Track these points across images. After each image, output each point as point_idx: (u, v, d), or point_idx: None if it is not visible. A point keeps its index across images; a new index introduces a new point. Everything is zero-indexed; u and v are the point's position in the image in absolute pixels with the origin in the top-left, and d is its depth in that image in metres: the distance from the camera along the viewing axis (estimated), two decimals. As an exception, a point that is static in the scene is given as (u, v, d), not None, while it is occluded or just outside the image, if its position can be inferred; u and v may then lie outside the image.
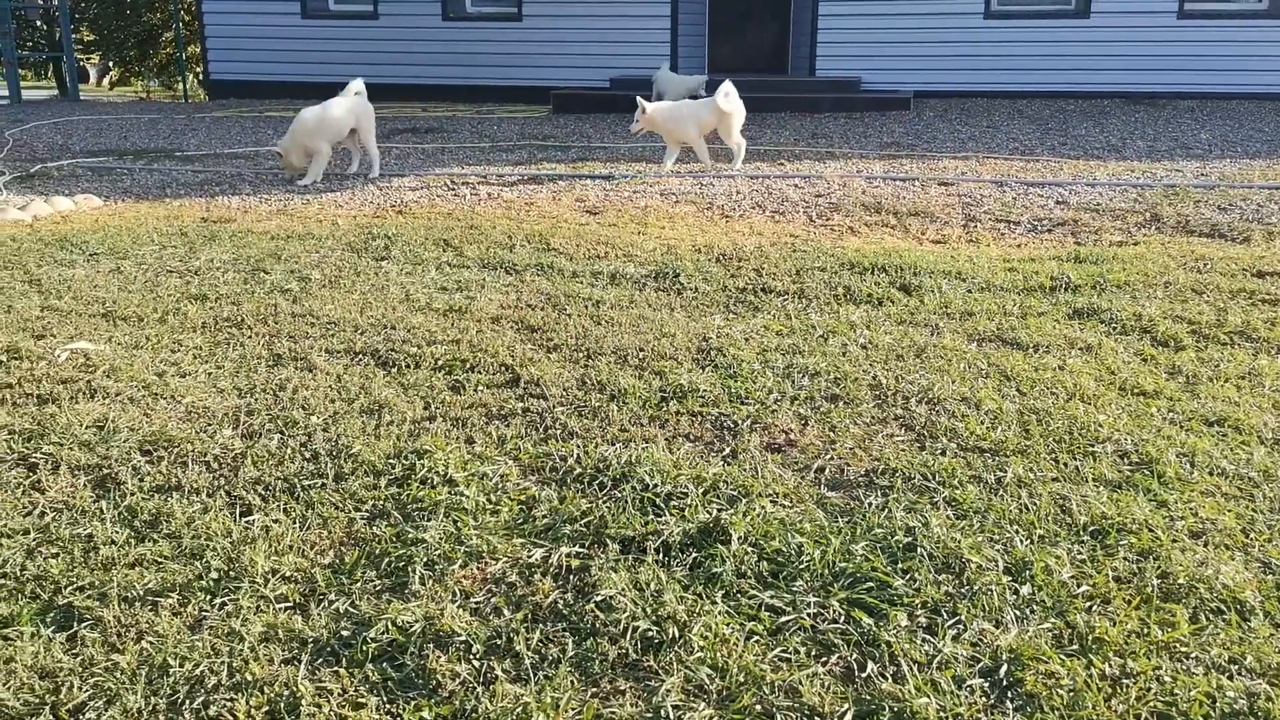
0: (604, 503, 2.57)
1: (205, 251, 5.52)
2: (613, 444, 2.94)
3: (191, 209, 7.06)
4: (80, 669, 1.95)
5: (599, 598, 2.14)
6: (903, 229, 6.17)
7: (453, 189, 7.93)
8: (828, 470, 2.76)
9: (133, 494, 2.65)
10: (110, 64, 23.66)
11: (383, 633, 2.05)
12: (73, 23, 18.19)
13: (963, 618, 2.06)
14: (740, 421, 3.09)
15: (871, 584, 2.18)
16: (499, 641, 2.02)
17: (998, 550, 2.31)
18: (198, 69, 20.07)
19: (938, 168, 8.31)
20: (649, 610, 2.09)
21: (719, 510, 2.49)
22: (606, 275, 5.00)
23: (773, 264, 5.17)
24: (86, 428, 3.03)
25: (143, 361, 3.65)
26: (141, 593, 2.20)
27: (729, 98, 7.98)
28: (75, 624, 2.09)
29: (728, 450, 2.90)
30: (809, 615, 2.09)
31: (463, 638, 2.03)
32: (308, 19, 15.43)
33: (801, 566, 2.25)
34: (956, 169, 8.23)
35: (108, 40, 20.81)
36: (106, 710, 1.84)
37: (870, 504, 2.54)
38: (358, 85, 8.17)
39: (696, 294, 4.66)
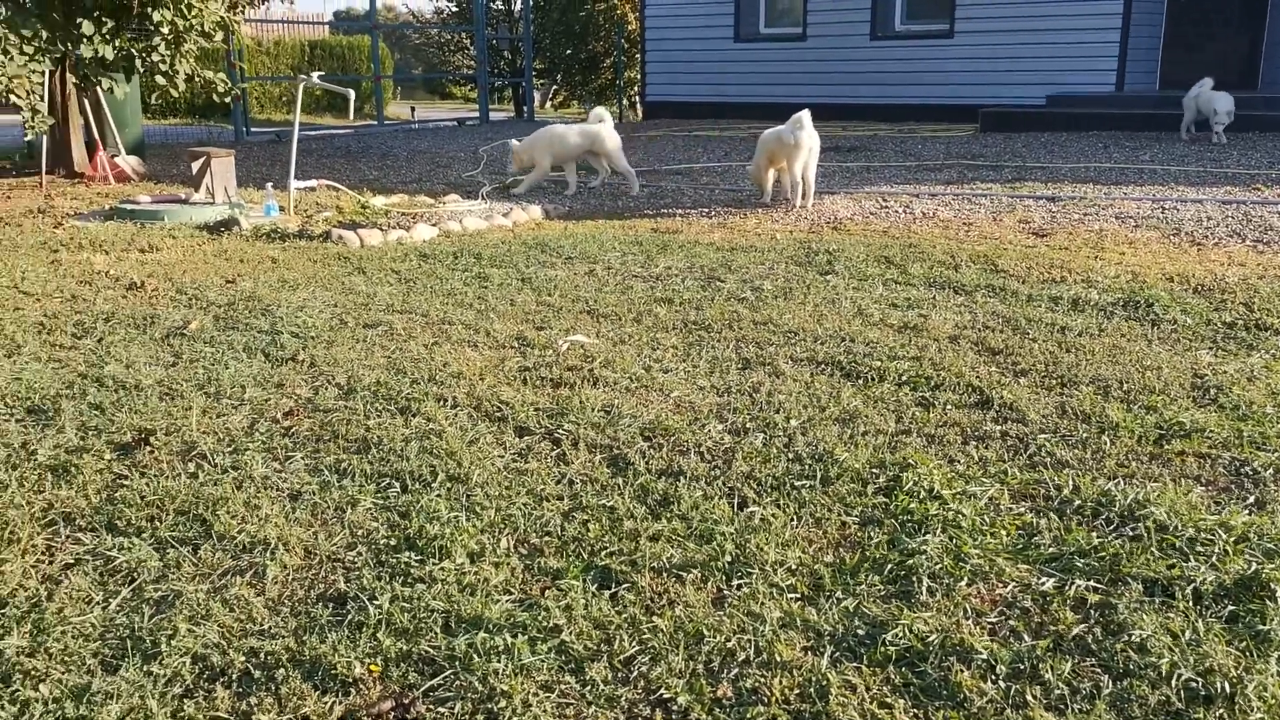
0: (1115, 539, 2.44)
1: (661, 259, 5.95)
2: (1111, 479, 2.78)
3: (641, 220, 7.63)
4: (626, 625, 2.17)
5: (1129, 638, 2.03)
6: None
7: (884, 207, 7.92)
8: (1385, 535, 2.42)
9: (642, 474, 2.91)
10: (555, 87, 26.25)
11: (899, 637, 2.08)
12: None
13: None
14: (1261, 469, 2.80)
15: None
16: (1023, 666, 1.98)
17: None
18: (631, 91, 21.73)
19: None
20: (1190, 660, 1.95)
21: (1256, 564, 2.27)
22: (1066, 301, 4.75)
23: (1265, 299, 4.64)
24: (595, 411, 3.38)
25: (629, 356, 4.00)
26: (666, 564, 2.41)
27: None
28: (613, 585, 2.34)
29: (1251, 499, 2.64)
30: (1388, 695, 1.85)
31: (984, 656, 2.01)
32: (739, 42, 16.16)
33: (1370, 639, 1.99)
34: None
35: (557, 67, 23.18)
36: (653, 666, 2.03)
37: None
38: (599, 113, 8.86)
39: (1175, 326, 4.29)
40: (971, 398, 3.50)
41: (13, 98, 7.49)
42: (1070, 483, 2.76)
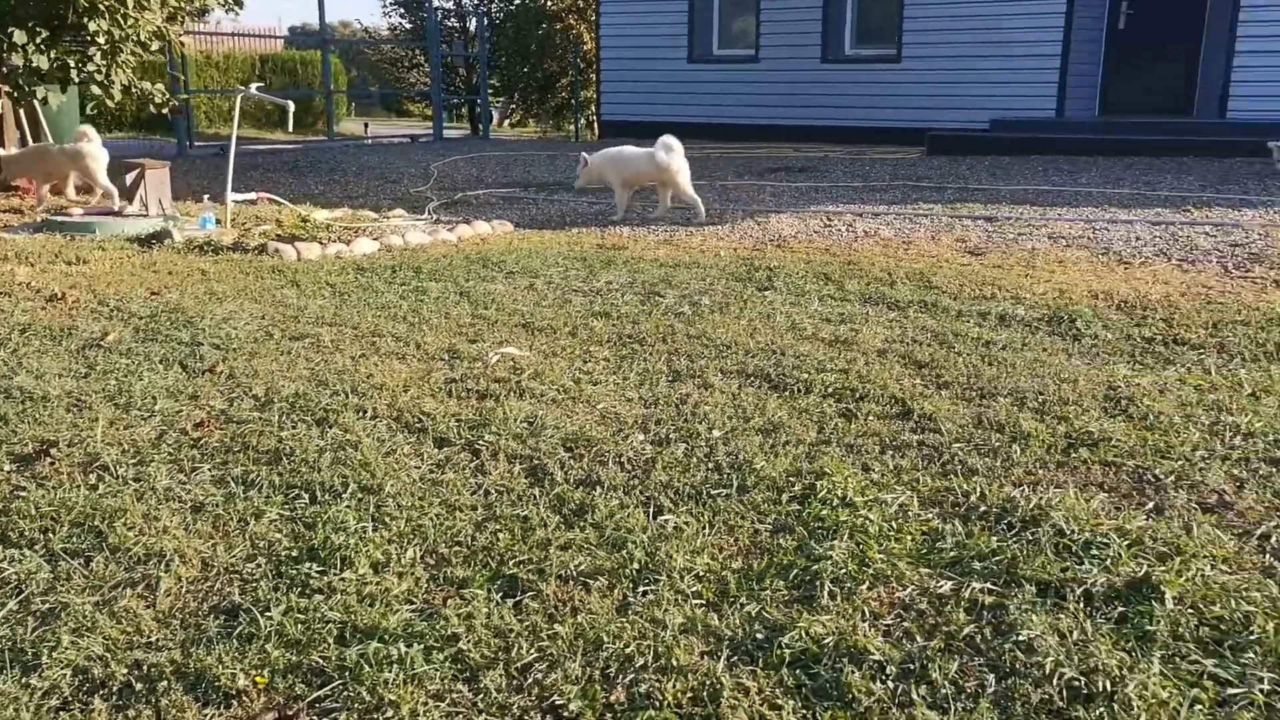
0: (1014, 543, 2.47)
1: (604, 274, 5.95)
2: (1018, 485, 2.82)
3: (588, 236, 7.65)
4: (526, 633, 2.15)
5: (1018, 638, 2.06)
6: (1346, 284, 5.42)
7: (828, 226, 8.01)
8: (1274, 538, 2.48)
9: (560, 484, 2.90)
10: (512, 106, 26.28)
11: (796, 640, 2.09)
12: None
13: None
14: (1162, 476, 2.85)
15: (1343, 669, 1.92)
16: (912, 666, 2.00)
17: None
18: (588, 111, 21.80)
19: (1388, 218, 7.23)
20: (1075, 659, 1.98)
21: (1148, 566, 2.31)
22: (994, 316, 4.82)
23: (1184, 315, 4.74)
24: (519, 422, 3.37)
25: (560, 368, 4.00)
26: (574, 572, 2.40)
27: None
28: (519, 593, 2.32)
29: (1150, 505, 2.69)
30: (1262, 691, 1.88)
31: (876, 657, 2.02)
32: (693, 63, 16.29)
33: (1250, 638, 2.03)
34: None
35: (513, 85, 23.23)
36: (549, 673, 2.02)
37: (1335, 581, 2.25)
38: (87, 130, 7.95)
39: (1096, 341, 4.37)
40: (893, 409, 3.54)
41: (-57, 108, 7.36)
42: (978, 489, 2.79)
